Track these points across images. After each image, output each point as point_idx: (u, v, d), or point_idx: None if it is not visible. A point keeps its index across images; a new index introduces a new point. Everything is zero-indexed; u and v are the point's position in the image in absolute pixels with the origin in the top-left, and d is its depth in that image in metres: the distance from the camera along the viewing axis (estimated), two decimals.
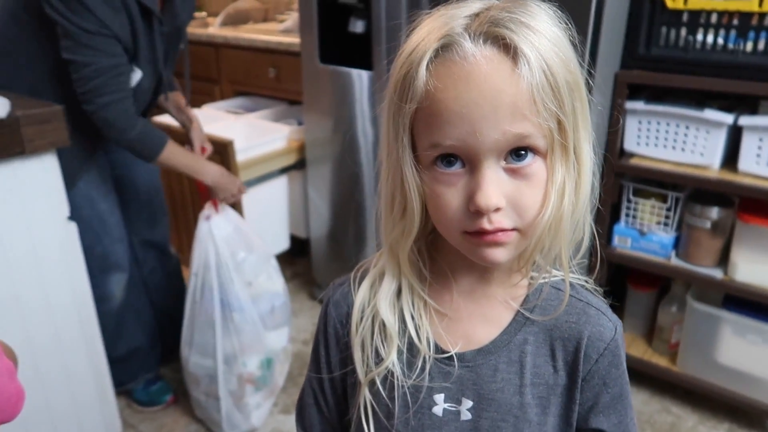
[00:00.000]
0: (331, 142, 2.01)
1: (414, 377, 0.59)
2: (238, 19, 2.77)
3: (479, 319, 0.60)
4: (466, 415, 0.59)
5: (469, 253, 0.55)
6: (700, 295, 1.65)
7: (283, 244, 2.25)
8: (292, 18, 2.47)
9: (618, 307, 1.87)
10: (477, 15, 0.50)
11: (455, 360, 0.59)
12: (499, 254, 0.53)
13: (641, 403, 1.75)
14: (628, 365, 0.62)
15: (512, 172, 0.51)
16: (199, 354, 1.60)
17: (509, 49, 0.48)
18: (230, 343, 1.57)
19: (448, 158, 0.51)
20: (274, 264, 1.68)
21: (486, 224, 0.51)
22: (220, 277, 1.54)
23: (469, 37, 0.49)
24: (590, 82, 0.55)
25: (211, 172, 1.55)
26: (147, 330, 1.74)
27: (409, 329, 0.60)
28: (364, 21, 1.80)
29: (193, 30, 2.64)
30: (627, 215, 1.67)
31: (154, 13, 1.37)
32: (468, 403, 0.59)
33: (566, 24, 0.53)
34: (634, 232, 1.65)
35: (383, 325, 0.60)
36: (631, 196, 1.65)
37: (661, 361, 1.75)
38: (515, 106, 0.48)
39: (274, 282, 1.66)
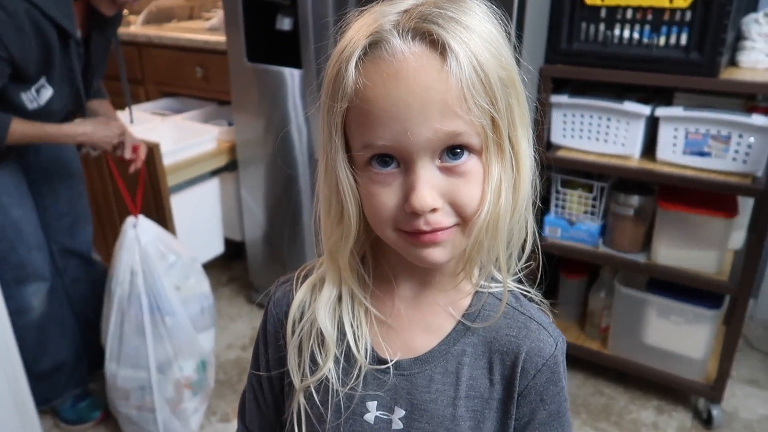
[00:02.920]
0: (264, 142, 1.97)
1: (349, 385, 0.58)
2: (161, 17, 2.67)
3: (420, 327, 0.59)
4: (397, 424, 0.58)
5: (406, 252, 0.53)
6: (626, 281, 1.72)
7: (218, 248, 2.19)
8: (218, 15, 2.40)
9: (551, 296, 1.92)
10: (407, 11, 0.49)
11: (391, 368, 0.58)
12: (437, 254, 0.52)
13: (575, 386, 1.81)
14: None
15: (447, 171, 0.50)
16: (129, 367, 1.54)
17: (437, 45, 0.47)
18: (163, 349, 1.53)
19: (384, 158, 0.50)
20: (198, 266, 1.66)
21: (423, 225, 0.50)
22: (148, 283, 1.50)
23: (398, 33, 0.48)
24: (525, 79, 0.54)
25: (80, 130, 1.42)
26: (72, 343, 1.66)
27: (348, 339, 0.58)
28: (291, 18, 1.77)
29: None
30: (556, 206, 1.72)
31: (71, 36, 1.33)
32: (400, 412, 0.58)
33: (502, 21, 0.52)
34: (564, 222, 1.70)
35: (321, 332, 0.59)
36: (559, 187, 1.70)
37: (593, 345, 1.81)
38: (445, 104, 0.47)
39: (201, 284, 1.64)
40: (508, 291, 0.59)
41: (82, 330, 1.71)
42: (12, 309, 1.37)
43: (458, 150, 0.50)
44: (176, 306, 1.54)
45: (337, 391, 0.58)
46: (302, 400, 0.60)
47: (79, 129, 1.42)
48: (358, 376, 0.58)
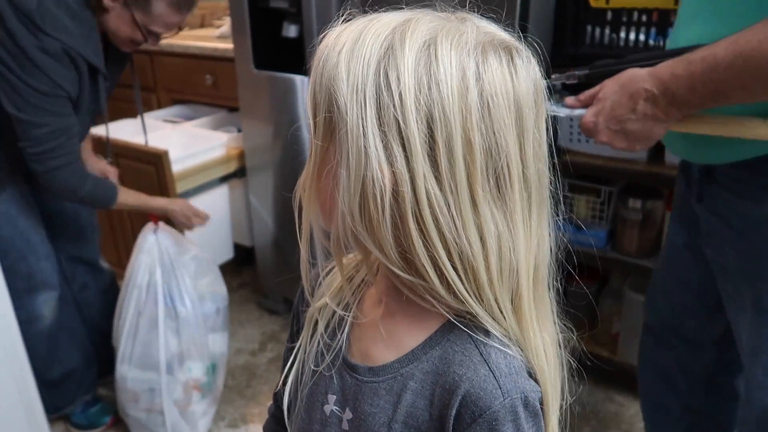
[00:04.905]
0: (272, 149, 1.98)
1: (321, 367, 0.61)
2: None
3: (384, 339, 0.59)
4: (345, 425, 0.59)
5: None
6: (636, 286, 1.70)
7: (228, 254, 2.21)
8: (228, 23, 2.42)
9: (559, 302, 1.90)
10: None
11: (350, 369, 0.60)
12: None
13: (585, 394, 1.78)
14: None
15: None
16: (139, 368, 1.56)
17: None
18: (175, 344, 1.55)
19: None
20: (215, 268, 1.69)
21: None
22: (165, 275, 1.54)
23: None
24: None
25: (171, 207, 1.64)
26: (82, 350, 1.68)
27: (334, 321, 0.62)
28: (297, 25, 1.78)
29: None
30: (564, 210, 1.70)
31: (101, 72, 1.37)
32: (349, 414, 0.59)
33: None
34: (572, 227, 1.68)
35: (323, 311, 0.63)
36: (566, 192, 1.68)
37: (603, 352, 1.79)
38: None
39: (217, 284, 1.67)
40: (484, 328, 0.53)
41: (91, 337, 1.73)
42: (22, 318, 1.39)
43: None
44: (190, 299, 1.57)
45: (314, 371, 0.62)
46: (291, 378, 0.64)
47: (171, 206, 1.65)
48: (332, 364, 0.61)
